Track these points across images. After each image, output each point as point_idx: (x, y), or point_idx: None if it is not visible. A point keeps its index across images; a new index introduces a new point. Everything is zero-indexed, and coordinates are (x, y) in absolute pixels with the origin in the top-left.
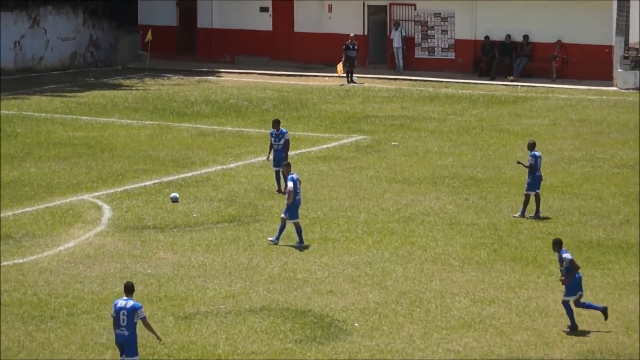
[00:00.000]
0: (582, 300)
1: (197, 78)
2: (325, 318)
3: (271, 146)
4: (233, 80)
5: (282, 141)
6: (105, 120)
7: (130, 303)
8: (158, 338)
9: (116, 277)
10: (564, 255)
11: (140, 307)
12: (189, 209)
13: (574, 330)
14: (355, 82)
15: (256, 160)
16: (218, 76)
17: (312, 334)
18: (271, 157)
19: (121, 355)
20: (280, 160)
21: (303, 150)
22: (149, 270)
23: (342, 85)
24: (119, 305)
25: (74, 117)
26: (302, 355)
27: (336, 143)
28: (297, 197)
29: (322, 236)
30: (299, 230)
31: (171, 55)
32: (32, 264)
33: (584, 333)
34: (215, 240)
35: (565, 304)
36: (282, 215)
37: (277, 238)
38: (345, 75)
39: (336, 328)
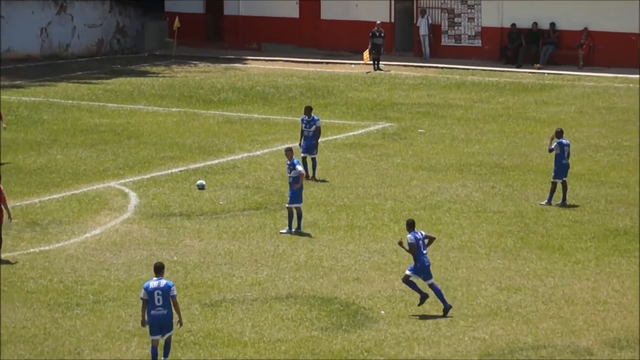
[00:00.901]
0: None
1: (223, 65)
2: (351, 306)
3: (302, 132)
4: (259, 68)
5: (313, 128)
6: (132, 108)
7: (163, 282)
8: (180, 322)
9: (142, 264)
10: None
11: (173, 285)
12: (215, 196)
13: (424, 299)
14: (381, 70)
15: (282, 147)
16: (245, 63)
17: (338, 322)
18: (302, 143)
19: (157, 334)
20: (311, 147)
21: (330, 138)
22: (176, 258)
23: (369, 72)
24: (151, 286)
25: (101, 104)
26: (329, 342)
27: (363, 130)
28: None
29: (348, 223)
30: (299, 216)
31: (198, 43)
32: (59, 251)
33: (610, 321)
34: (241, 228)
35: (405, 279)
36: (287, 205)
37: (290, 227)
38: (371, 62)
39: (362, 316)
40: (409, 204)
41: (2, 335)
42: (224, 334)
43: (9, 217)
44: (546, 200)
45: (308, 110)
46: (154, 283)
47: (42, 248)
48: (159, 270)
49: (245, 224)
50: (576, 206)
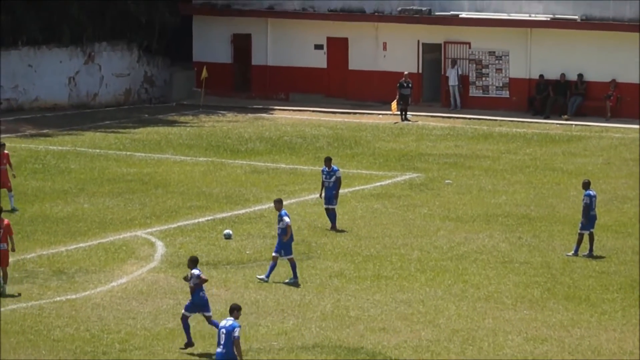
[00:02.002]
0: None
1: (251, 115)
2: (377, 355)
3: (323, 183)
4: (287, 118)
5: (334, 178)
6: (159, 157)
7: (230, 322)
8: None
9: (169, 313)
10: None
11: (237, 327)
12: (242, 245)
13: (189, 346)
14: (409, 120)
15: (309, 198)
16: (272, 113)
17: None
18: (323, 194)
19: None
20: (332, 197)
21: (357, 188)
22: None
23: (396, 123)
24: (221, 324)
25: (128, 153)
26: None
27: (390, 181)
28: (291, 233)
29: (375, 274)
30: (293, 266)
31: (226, 92)
32: (85, 299)
33: None
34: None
35: (184, 319)
36: (274, 254)
37: (268, 276)
38: (399, 113)
39: None
40: (435, 255)
41: None
42: None
43: (13, 248)
44: (573, 251)
45: (328, 161)
46: (224, 322)
47: (68, 297)
48: (231, 310)
49: (272, 273)
50: (603, 257)
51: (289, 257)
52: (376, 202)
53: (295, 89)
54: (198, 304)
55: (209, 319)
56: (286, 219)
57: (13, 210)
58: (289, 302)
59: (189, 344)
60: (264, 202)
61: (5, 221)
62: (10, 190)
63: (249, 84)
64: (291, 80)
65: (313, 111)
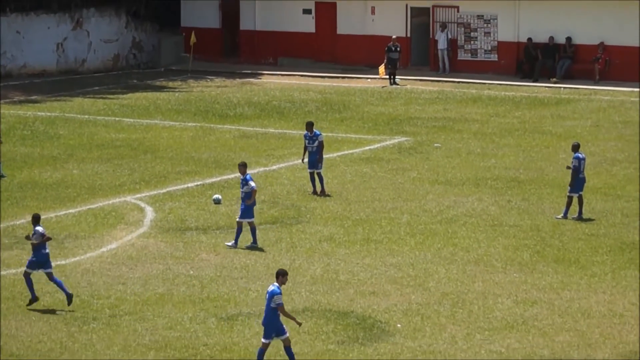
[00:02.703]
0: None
1: (239, 80)
2: (367, 319)
3: (305, 148)
4: (275, 82)
5: (316, 143)
6: (148, 122)
7: (271, 288)
8: (298, 323)
9: (158, 278)
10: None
11: (276, 294)
12: (231, 210)
13: (33, 302)
14: (397, 84)
15: (298, 162)
16: (260, 78)
17: (354, 335)
18: (306, 159)
19: (266, 337)
20: (316, 162)
21: (346, 152)
22: (192, 272)
23: (385, 87)
24: (268, 289)
25: (117, 119)
26: (345, 356)
27: (379, 145)
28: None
29: (364, 237)
30: (253, 231)
31: (214, 58)
32: (75, 265)
33: (627, 334)
34: (258, 242)
35: (26, 275)
36: (238, 219)
37: (236, 241)
38: (387, 77)
39: (379, 329)
40: (425, 218)
41: (18, 350)
42: (240, 348)
43: None
44: (562, 214)
45: (309, 125)
46: (269, 287)
47: (58, 262)
48: (277, 276)
49: (261, 237)
50: (592, 220)
51: (250, 220)
52: (365, 166)
53: (283, 53)
54: (40, 261)
55: (49, 276)
56: (252, 183)
57: (1, 176)
58: (279, 266)
59: (33, 299)
60: (253, 167)
61: None
62: None
63: (237, 49)
64: (279, 45)
65: (302, 76)
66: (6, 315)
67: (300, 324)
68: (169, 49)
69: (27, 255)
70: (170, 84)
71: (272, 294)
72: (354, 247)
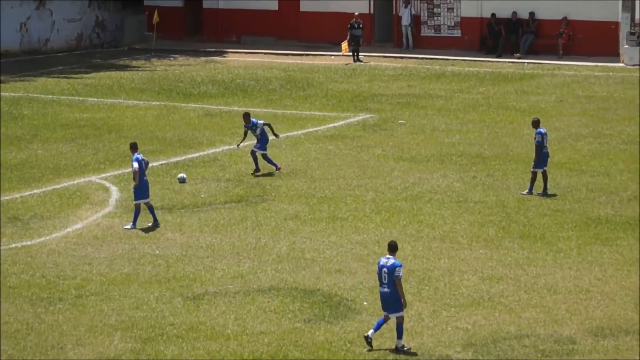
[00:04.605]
0: None
1: (203, 58)
2: (334, 297)
3: (245, 134)
4: (239, 60)
5: (259, 131)
6: (112, 102)
7: (391, 261)
8: (404, 305)
9: (124, 258)
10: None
11: (399, 266)
12: (196, 189)
13: None
14: (361, 61)
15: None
16: (224, 56)
17: (320, 313)
18: (242, 144)
19: (385, 310)
20: (266, 145)
21: (310, 130)
22: (157, 251)
23: (348, 64)
24: (381, 263)
25: (81, 98)
26: (312, 334)
27: (343, 122)
28: (145, 178)
29: (330, 215)
30: (151, 209)
31: (177, 36)
32: (40, 245)
33: (593, 309)
34: (223, 221)
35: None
36: (135, 202)
37: (134, 223)
38: (351, 54)
39: (345, 307)
40: (390, 195)
41: None
42: (206, 327)
43: None
44: (527, 190)
45: (247, 116)
46: (384, 260)
47: (23, 243)
48: (392, 248)
49: (226, 216)
50: (557, 195)
51: (145, 201)
52: (330, 144)
53: (247, 31)
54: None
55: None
56: (135, 164)
57: None
58: (244, 245)
59: None
60: (218, 145)
61: None
62: None
63: (200, 28)
64: (243, 22)
65: (265, 53)
66: None
67: (405, 306)
68: (132, 27)
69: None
70: (134, 62)
71: (394, 266)
72: (319, 224)
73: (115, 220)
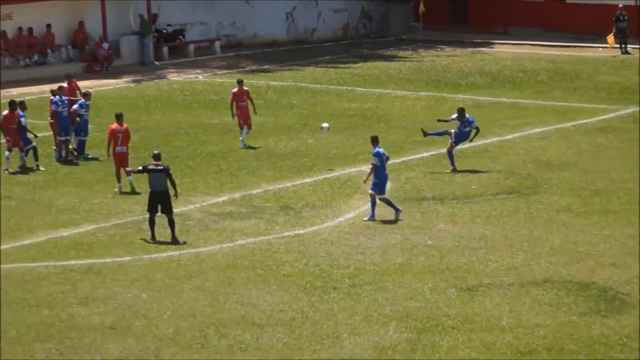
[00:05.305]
0: None
1: (470, 49)
2: (609, 291)
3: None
4: (507, 52)
5: (469, 129)
6: (380, 92)
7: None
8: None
9: (397, 248)
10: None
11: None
12: (467, 180)
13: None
14: (629, 53)
15: (533, 132)
16: (491, 47)
17: (596, 307)
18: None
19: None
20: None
21: (580, 122)
22: (430, 242)
23: (616, 56)
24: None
25: (349, 88)
26: (587, 328)
27: (613, 114)
28: (385, 172)
29: (602, 208)
30: (389, 204)
31: (442, 27)
32: (313, 234)
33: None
34: (495, 212)
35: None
36: (370, 191)
37: (372, 215)
38: (618, 46)
39: (620, 301)
40: None
41: (260, 319)
42: (481, 319)
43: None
44: None
45: (461, 112)
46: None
47: (296, 232)
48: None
49: (498, 208)
50: None
51: (381, 197)
52: (600, 136)
53: (513, 22)
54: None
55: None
56: (374, 158)
57: (246, 147)
58: (517, 237)
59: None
60: (487, 137)
61: (124, 126)
62: (249, 127)
63: (466, 18)
64: (509, 13)
65: (532, 44)
66: (246, 284)
67: None
68: (398, 18)
69: (264, 224)
70: (401, 53)
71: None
72: (592, 217)
73: (387, 209)
